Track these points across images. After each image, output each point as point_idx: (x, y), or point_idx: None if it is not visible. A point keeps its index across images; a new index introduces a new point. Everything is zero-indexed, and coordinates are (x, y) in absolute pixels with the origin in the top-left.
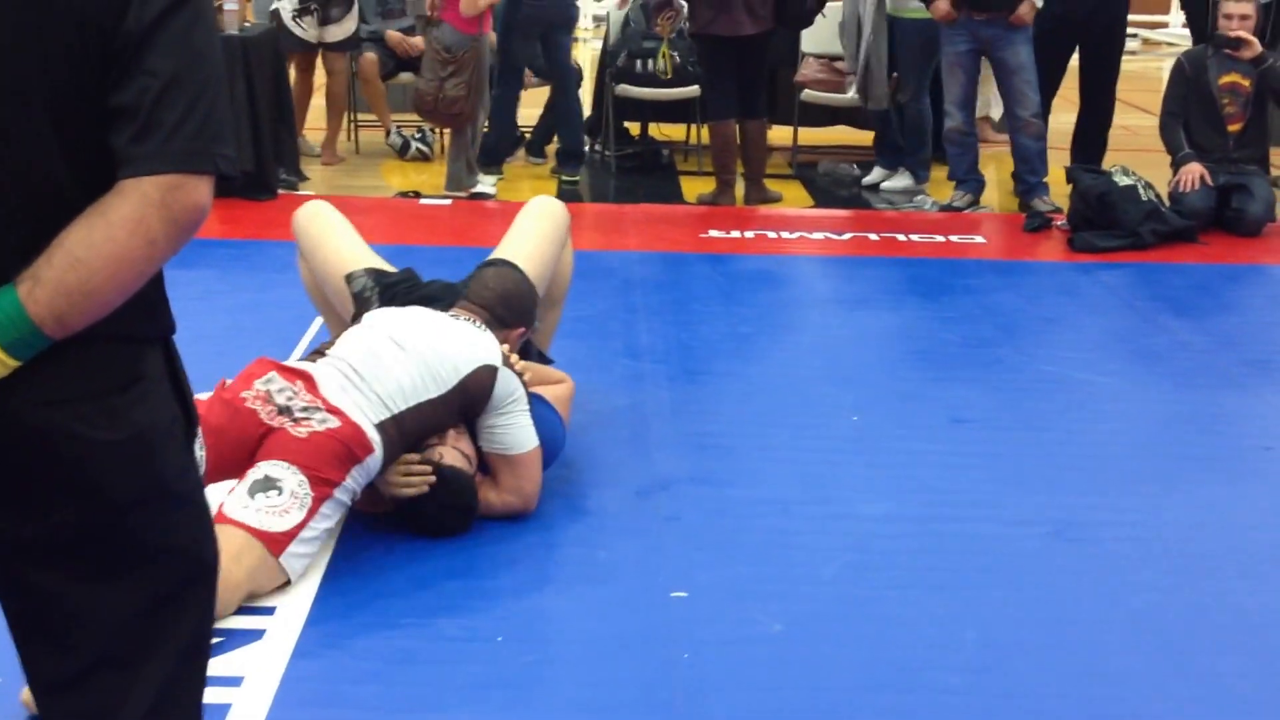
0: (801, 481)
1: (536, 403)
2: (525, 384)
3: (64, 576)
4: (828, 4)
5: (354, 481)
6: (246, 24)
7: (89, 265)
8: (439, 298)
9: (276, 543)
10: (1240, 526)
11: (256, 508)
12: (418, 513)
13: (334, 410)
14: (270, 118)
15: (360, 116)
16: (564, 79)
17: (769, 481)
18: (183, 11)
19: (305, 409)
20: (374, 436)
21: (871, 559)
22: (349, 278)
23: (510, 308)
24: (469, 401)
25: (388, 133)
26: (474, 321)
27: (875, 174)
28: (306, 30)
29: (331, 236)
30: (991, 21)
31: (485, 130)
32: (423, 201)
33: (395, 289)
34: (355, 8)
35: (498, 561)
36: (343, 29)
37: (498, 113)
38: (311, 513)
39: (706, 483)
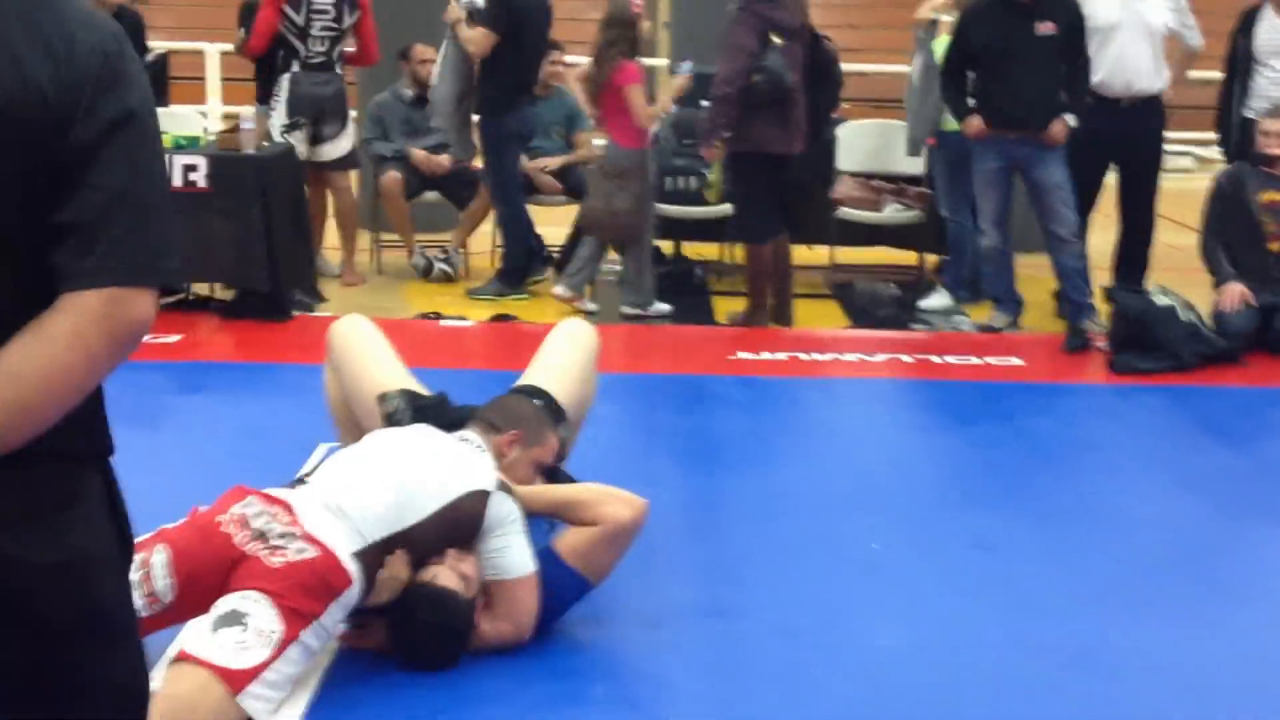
0: (815, 610)
1: (548, 561)
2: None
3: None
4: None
5: (330, 617)
6: (265, 144)
7: (27, 380)
8: (468, 423)
9: (237, 680)
10: (1274, 660)
11: (219, 643)
12: (407, 638)
13: (311, 539)
14: (286, 238)
15: (384, 236)
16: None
17: (780, 610)
18: (128, 128)
19: (282, 535)
20: (351, 567)
21: (883, 691)
22: (382, 397)
23: (504, 413)
24: (458, 526)
25: (411, 253)
26: (477, 442)
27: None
28: (298, 147)
29: (367, 352)
30: (1023, 140)
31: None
32: (444, 323)
33: (427, 413)
34: (349, 127)
35: (486, 697)
36: (336, 148)
37: (514, 232)
38: (277, 653)
39: (715, 613)
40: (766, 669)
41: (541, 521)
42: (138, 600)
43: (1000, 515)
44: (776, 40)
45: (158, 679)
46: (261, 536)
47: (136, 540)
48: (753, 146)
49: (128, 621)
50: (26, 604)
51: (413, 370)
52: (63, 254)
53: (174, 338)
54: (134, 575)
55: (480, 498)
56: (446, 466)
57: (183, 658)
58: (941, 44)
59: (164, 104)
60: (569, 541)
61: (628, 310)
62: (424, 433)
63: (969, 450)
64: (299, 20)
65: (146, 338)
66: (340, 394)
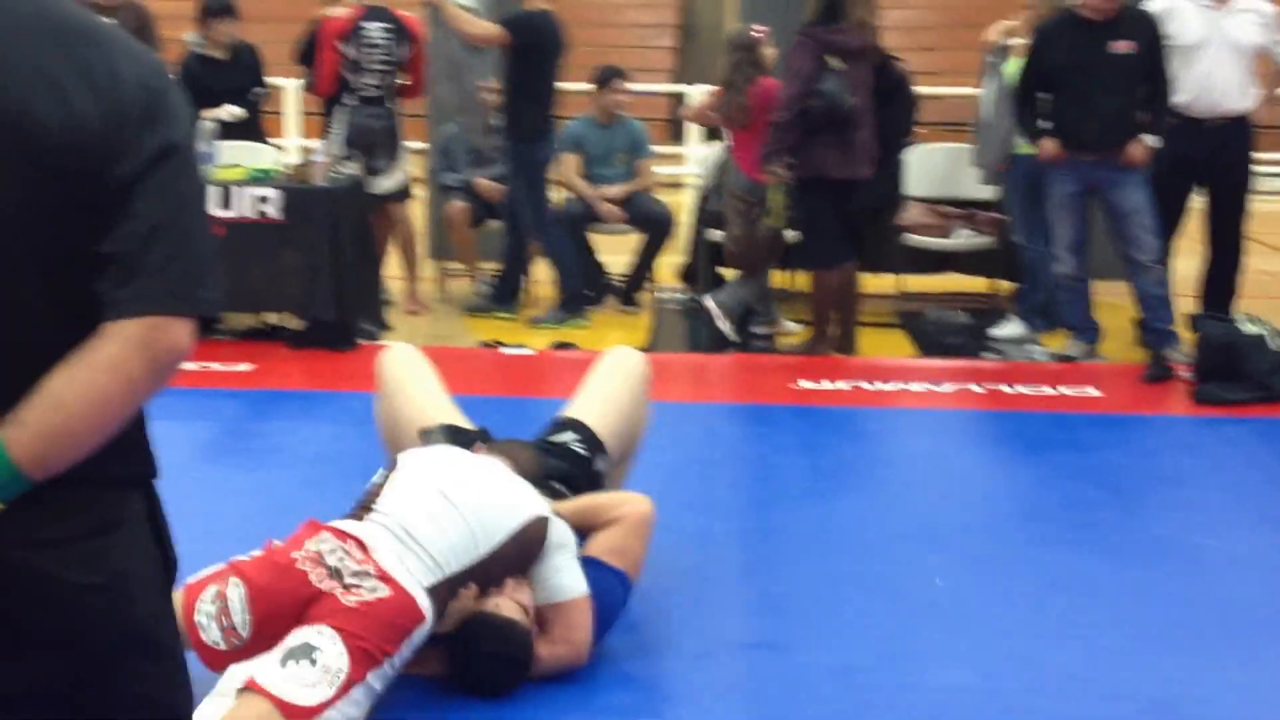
0: (874, 648)
1: (590, 565)
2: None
3: None
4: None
5: (400, 658)
6: (333, 175)
7: (70, 407)
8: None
9: (298, 715)
10: None
11: (285, 676)
12: (468, 665)
13: (385, 577)
14: (353, 268)
15: (449, 265)
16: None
17: (838, 647)
18: (169, 161)
19: (356, 574)
20: (425, 604)
21: None
22: (424, 433)
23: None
24: (523, 554)
25: (475, 281)
26: (505, 466)
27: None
28: None
29: (413, 385)
30: (1101, 162)
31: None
32: (504, 351)
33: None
34: (401, 160)
35: None
36: (389, 180)
37: (563, 260)
38: (341, 693)
39: (770, 648)
40: (820, 707)
41: None
42: (215, 634)
43: (1074, 552)
44: (835, 64)
45: (224, 704)
46: (336, 574)
47: (209, 571)
48: (814, 171)
49: (168, 640)
50: (70, 623)
51: (472, 398)
52: (105, 283)
53: (246, 366)
54: (210, 607)
55: (542, 523)
56: (509, 493)
57: (250, 686)
58: (1013, 67)
59: (260, 139)
60: (600, 544)
61: (761, 330)
62: (474, 458)
63: (1042, 484)
64: (352, 54)
65: (220, 366)
66: (389, 422)
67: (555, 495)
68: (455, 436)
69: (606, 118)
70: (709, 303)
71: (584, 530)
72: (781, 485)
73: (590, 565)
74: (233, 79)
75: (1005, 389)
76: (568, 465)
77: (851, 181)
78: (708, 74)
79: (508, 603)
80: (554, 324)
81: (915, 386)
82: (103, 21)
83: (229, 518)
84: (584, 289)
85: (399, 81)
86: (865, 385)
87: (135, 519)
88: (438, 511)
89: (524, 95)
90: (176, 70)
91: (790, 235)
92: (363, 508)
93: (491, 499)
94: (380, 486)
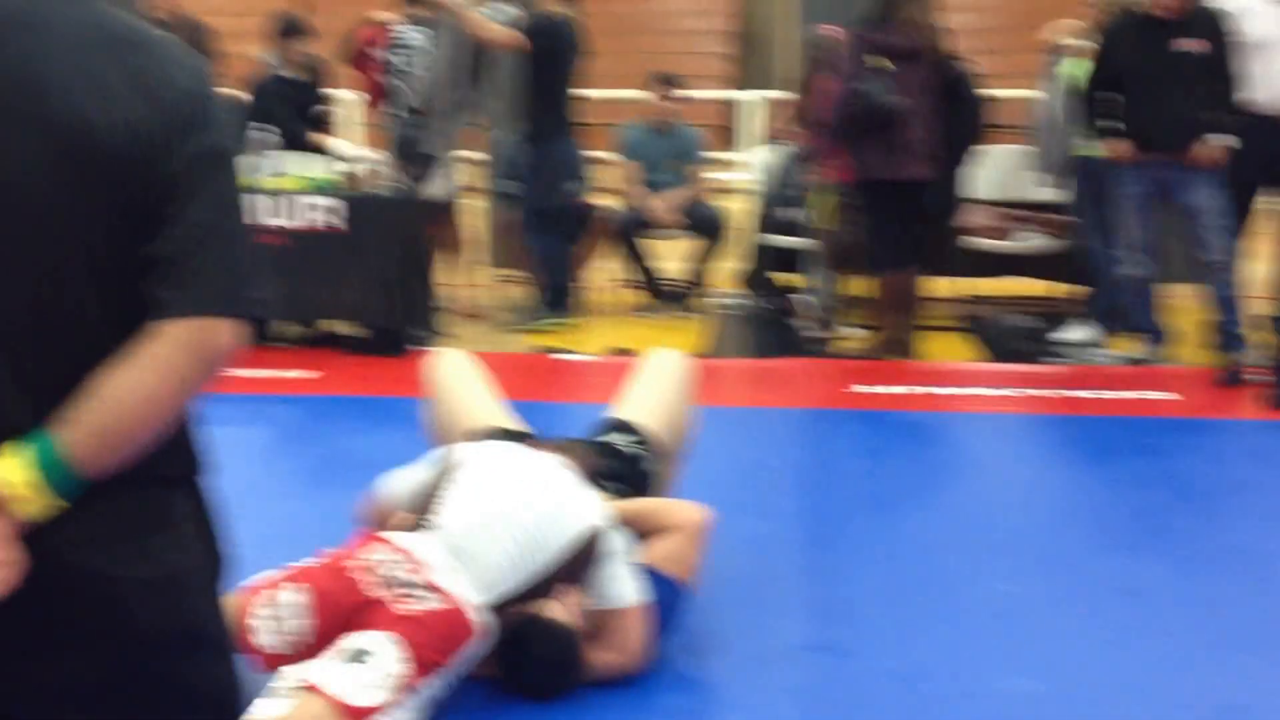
0: (935, 654)
1: (646, 573)
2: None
3: None
4: (989, 148)
5: (454, 669)
6: (391, 185)
7: (121, 405)
8: None
9: (353, 715)
10: None
11: (342, 678)
12: (517, 668)
13: (436, 589)
14: (408, 276)
15: (503, 272)
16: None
17: (899, 652)
18: (214, 165)
19: (407, 584)
20: (476, 619)
21: None
22: (471, 435)
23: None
24: (577, 565)
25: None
26: (569, 468)
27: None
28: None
29: (462, 389)
30: (1169, 163)
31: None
32: (557, 357)
33: None
34: (446, 168)
35: None
36: (434, 188)
37: (550, 262)
38: (396, 698)
39: (830, 652)
40: (880, 713)
41: None
42: (268, 637)
43: (1143, 558)
44: (880, 64)
45: (277, 704)
46: (388, 584)
47: (265, 576)
48: (864, 174)
49: (219, 636)
50: (122, 618)
51: (526, 403)
52: (153, 285)
53: (306, 373)
54: (264, 611)
55: (596, 534)
56: (565, 505)
57: (307, 687)
58: (1070, 68)
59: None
60: (658, 551)
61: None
62: (533, 460)
63: (1108, 489)
64: (393, 62)
65: (287, 373)
66: (440, 427)
67: (612, 494)
68: (503, 438)
69: (660, 124)
70: (798, 302)
71: (640, 534)
72: (841, 490)
73: (644, 574)
74: (309, 98)
75: (1071, 393)
76: (617, 465)
77: (906, 183)
78: (762, 80)
79: (556, 606)
80: (536, 323)
81: (978, 391)
82: (152, 30)
83: (288, 521)
84: (566, 292)
85: None
86: (927, 390)
87: (185, 517)
88: (494, 529)
89: (541, 98)
90: (251, 88)
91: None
92: (419, 513)
93: (547, 513)
94: (436, 488)
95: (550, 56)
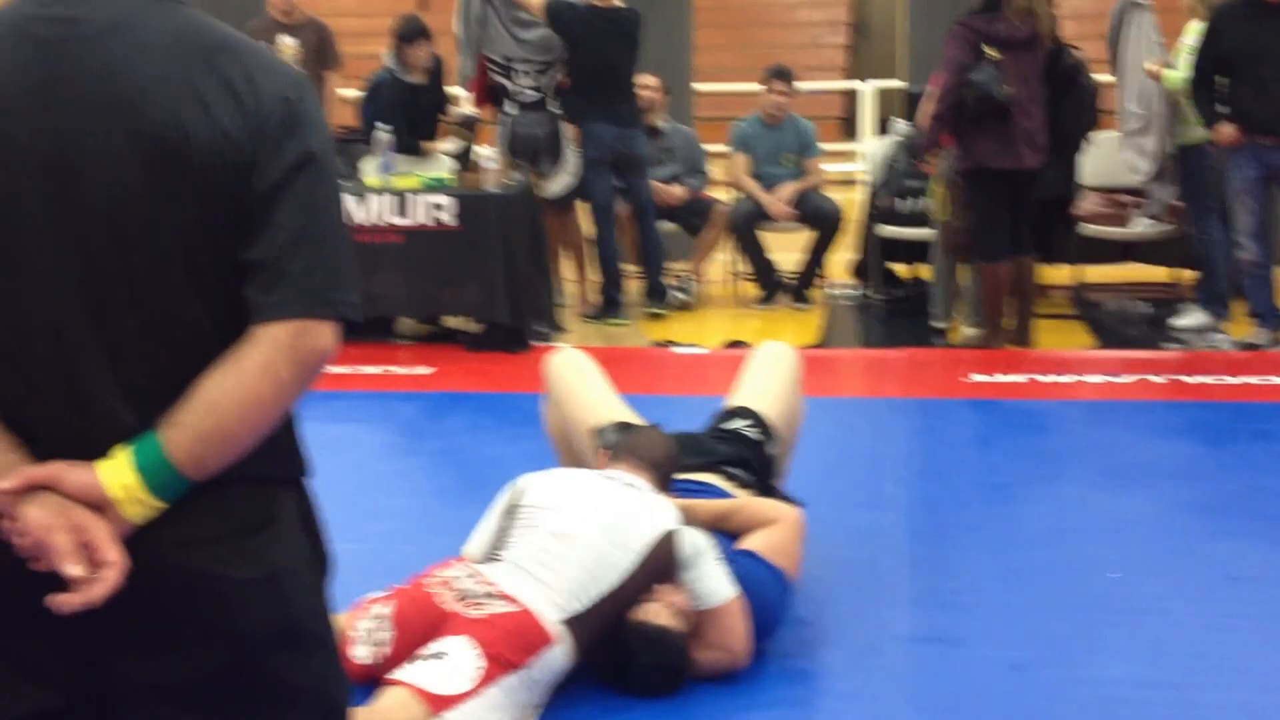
0: (1046, 642)
1: (745, 558)
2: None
3: None
4: (1101, 134)
5: (534, 672)
6: (506, 182)
7: (222, 408)
8: (680, 448)
9: (436, 703)
10: None
11: (421, 669)
12: (624, 674)
13: (509, 598)
14: (527, 272)
15: (621, 266)
16: (641, 217)
17: (1009, 642)
18: (307, 169)
19: (482, 595)
20: (554, 628)
21: None
22: (596, 432)
23: (664, 475)
24: (659, 570)
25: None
26: (637, 482)
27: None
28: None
29: (583, 388)
30: (1278, 146)
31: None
32: (677, 351)
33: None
34: (567, 164)
35: None
36: (557, 184)
37: (608, 261)
38: (477, 688)
39: (939, 642)
40: (990, 702)
41: None
42: (363, 649)
43: (1257, 544)
44: (991, 53)
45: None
46: (464, 597)
47: (371, 596)
48: (975, 163)
49: (323, 635)
50: (227, 617)
51: (645, 398)
52: (251, 289)
53: (424, 370)
54: (365, 623)
55: (670, 539)
56: (629, 513)
57: (388, 682)
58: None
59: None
60: (758, 540)
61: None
62: (594, 480)
63: (1223, 474)
64: (500, 58)
65: (400, 370)
66: (559, 425)
67: (733, 481)
68: (626, 432)
69: (772, 117)
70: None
71: (732, 533)
72: (953, 480)
73: (746, 558)
74: (431, 99)
75: (1186, 379)
76: (742, 450)
77: (1017, 172)
78: (880, 70)
79: (660, 608)
80: (596, 320)
81: (1093, 378)
82: (243, 37)
83: (405, 517)
84: (619, 293)
85: (558, 78)
86: (1040, 378)
87: (288, 517)
88: (561, 550)
89: (573, 82)
90: (369, 89)
91: (906, 233)
92: (492, 550)
93: (615, 526)
94: (504, 529)
95: (566, 41)
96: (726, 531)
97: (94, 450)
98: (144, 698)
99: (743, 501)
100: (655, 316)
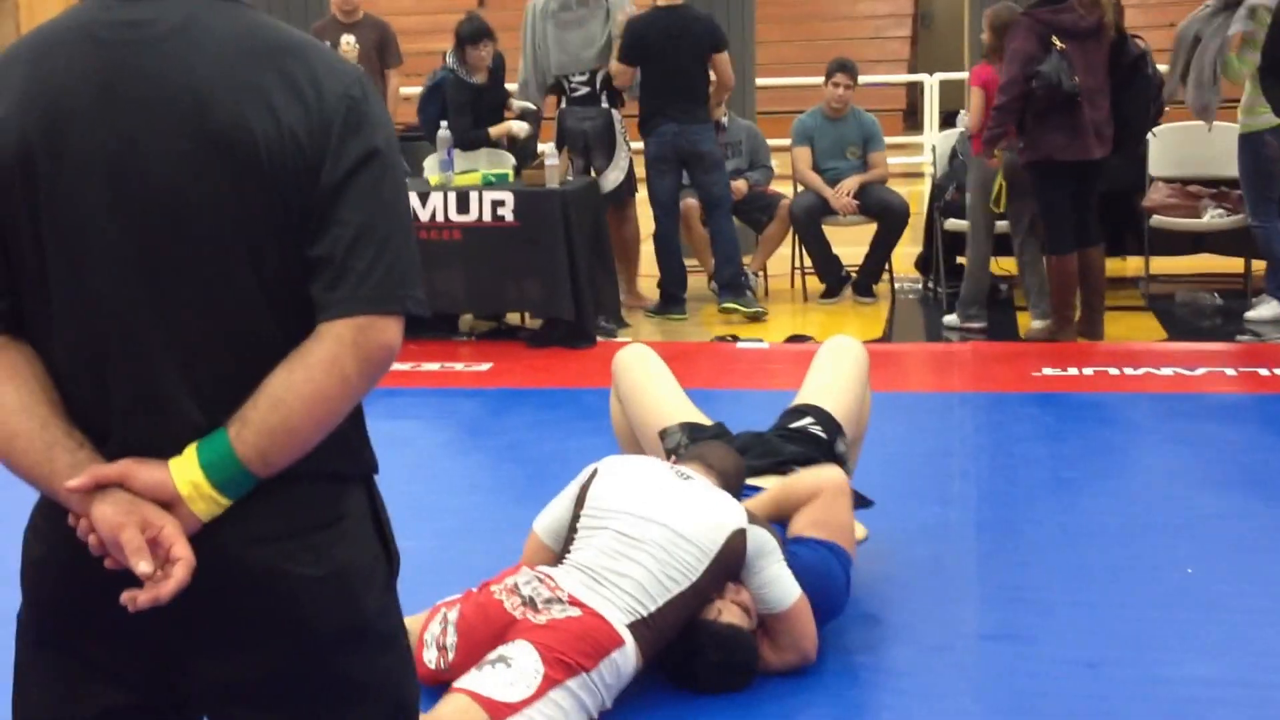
0: (1118, 640)
1: (802, 548)
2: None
3: (278, 719)
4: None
5: (600, 677)
6: (569, 179)
7: (289, 405)
8: (747, 449)
9: (499, 711)
10: None
11: (483, 677)
12: (694, 673)
13: (576, 603)
14: (589, 267)
15: (684, 262)
16: (711, 213)
17: (1080, 639)
18: (371, 166)
19: (548, 600)
20: (622, 632)
21: None
22: (663, 433)
23: (732, 487)
24: (729, 570)
25: (710, 277)
26: (707, 482)
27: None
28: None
29: (649, 385)
30: None
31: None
32: (740, 345)
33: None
34: (620, 159)
35: None
36: (607, 180)
37: (664, 253)
38: (540, 692)
39: (1009, 639)
40: (1064, 701)
41: None
42: (431, 653)
43: None
44: (1058, 44)
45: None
46: (530, 602)
47: (443, 601)
48: (1042, 155)
49: (392, 632)
50: (296, 614)
51: (708, 392)
52: (316, 286)
53: (485, 366)
54: (435, 627)
55: (739, 537)
56: (698, 514)
57: (451, 690)
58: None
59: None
60: (804, 521)
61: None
62: (664, 478)
63: None
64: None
65: (461, 366)
66: (625, 422)
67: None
68: (693, 433)
69: (834, 111)
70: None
71: (783, 518)
72: (1023, 474)
73: (802, 546)
74: (493, 98)
75: (1261, 372)
76: (810, 449)
77: (1084, 163)
78: (944, 63)
79: (730, 607)
80: (656, 315)
81: (1164, 371)
82: (306, 36)
83: (467, 515)
84: (681, 290)
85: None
86: (1111, 371)
87: (356, 513)
88: (629, 554)
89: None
90: (430, 87)
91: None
92: (558, 552)
93: (683, 528)
94: (572, 525)
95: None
96: (782, 517)
97: (164, 449)
98: (216, 695)
99: (786, 483)
100: (731, 311)
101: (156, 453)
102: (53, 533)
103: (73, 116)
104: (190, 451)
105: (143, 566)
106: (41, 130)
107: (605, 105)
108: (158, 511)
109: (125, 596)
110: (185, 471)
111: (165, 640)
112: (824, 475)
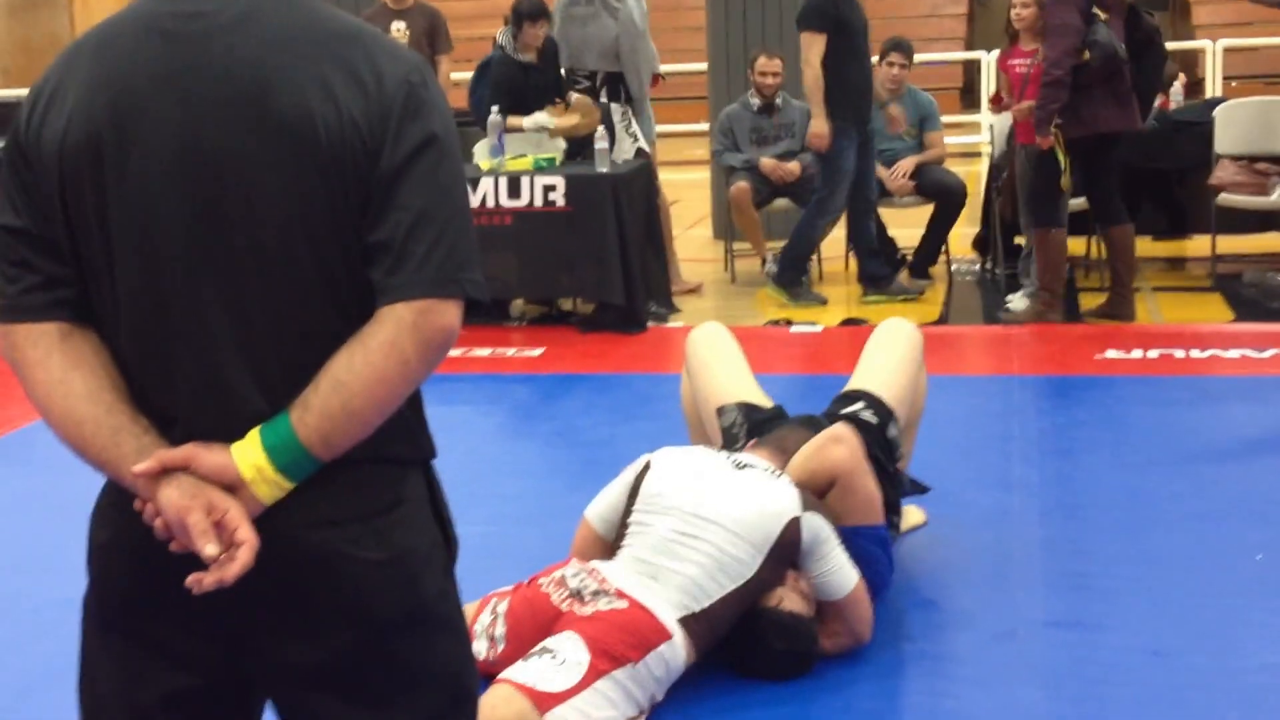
0: (1189, 629)
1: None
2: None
3: (341, 702)
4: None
5: (648, 669)
6: (618, 162)
7: (350, 388)
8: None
9: (543, 701)
10: None
11: (528, 668)
12: (755, 660)
13: (623, 595)
14: (641, 252)
15: (735, 245)
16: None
17: (1148, 628)
18: (430, 151)
19: (595, 593)
20: (670, 625)
21: (1267, 717)
22: (720, 410)
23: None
24: (786, 559)
25: (763, 261)
26: (770, 469)
27: None
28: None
29: (715, 363)
30: None
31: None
32: (794, 329)
33: (763, 427)
34: (623, 149)
35: (833, 709)
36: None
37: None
38: (586, 683)
39: (1074, 627)
40: (1130, 690)
41: None
42: (481, 643)
43: None
44: (1100, 15)
45: None
46: (577, 595)
47: (494, 592)
48: (1090, 129)
49: (452, 617)
50: (357, 597)
51: (763, 376)
52: (376, 271)
53: (538, 351)
54: (485, 618)
55: (794, 525)
56: (753, 504)
57: (496, 681)
58: None
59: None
60: (845, 505)
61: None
62: (718, 467)
63: None
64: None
65: (513, 352)
66: (692, 399)
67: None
68: (750, 414)
69: (888, 91)
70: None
71: (818, 491)
72: (1085, 459)
73: (843, 535)
74: (542, 79)
75: None
76: (865, 436)
77: (1119, 135)
78: (1000, 40)
79: (791, 595)
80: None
81: (1230, 353)
82: (364, 24)
83: (519, 500)
84: (802, 272)
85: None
86: (1176, 353)
87: (416, 498)
88: (683, 547)
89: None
90: (482, 70)
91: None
92: (611, 542)
93: (739, 519)
94: (626, 514)
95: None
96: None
97: (230, 434)
98: (278, 678)
99: (798, 470)
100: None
101: (221, 438)
102: (119, 517)
103: (139, 108)
104: (254, 435)
105: (209, 549)
106: (108, 122)
107: (605, 100)
108: (222, 495)
109: (191, 579)
110: (249, 455)
111: (229, 623)
112: (833, 457)
